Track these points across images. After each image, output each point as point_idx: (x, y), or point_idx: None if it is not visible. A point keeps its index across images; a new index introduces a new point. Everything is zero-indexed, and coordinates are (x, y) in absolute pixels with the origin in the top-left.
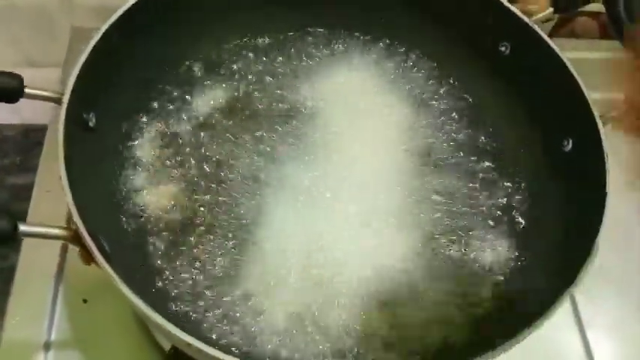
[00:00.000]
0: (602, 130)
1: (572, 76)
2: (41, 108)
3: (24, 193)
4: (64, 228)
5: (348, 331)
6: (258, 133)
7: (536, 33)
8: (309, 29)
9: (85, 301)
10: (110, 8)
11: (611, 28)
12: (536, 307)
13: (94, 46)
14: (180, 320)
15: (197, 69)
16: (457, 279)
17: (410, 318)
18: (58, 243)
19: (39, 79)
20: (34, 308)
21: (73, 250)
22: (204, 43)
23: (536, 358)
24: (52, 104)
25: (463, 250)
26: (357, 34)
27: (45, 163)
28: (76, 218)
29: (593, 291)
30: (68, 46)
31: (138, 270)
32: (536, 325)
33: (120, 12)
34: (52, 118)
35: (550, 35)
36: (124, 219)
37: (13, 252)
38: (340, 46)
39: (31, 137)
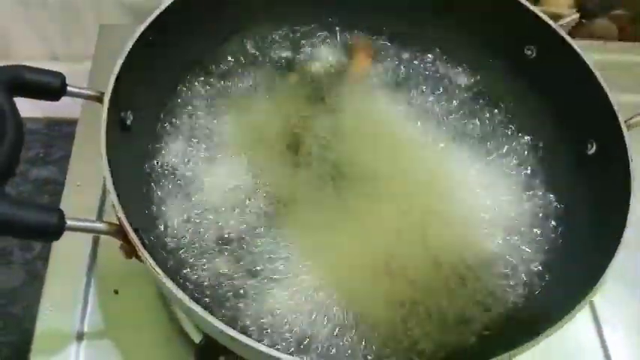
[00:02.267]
0: (627, 133)
1: (596, 79)
2: (64, 102)
3: (47, 186)
4: (109, 223)
5: None
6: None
7: (562, 37)
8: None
9: (116, 292)
10: (137, 6)
11: None
12: (559, 307)
13: (132, 47)
14: (214, 310)
15: (232, 67)
16: (486, 278)
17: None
18: (90, 235)
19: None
20: (67, 299)
21: (104, 241)
22: (238, 42)
23: (555, 356)
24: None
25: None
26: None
27: (76, 156)
28: (120, 214)
29: (609, 290)
30: (97, 43)
31: (170, 261)
32: (557, 326)
33: (156, 13)
34: (84, 113)
35: (570, 36)
36: (160, 214)
37: (38, 243)
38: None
39: (55, 130)
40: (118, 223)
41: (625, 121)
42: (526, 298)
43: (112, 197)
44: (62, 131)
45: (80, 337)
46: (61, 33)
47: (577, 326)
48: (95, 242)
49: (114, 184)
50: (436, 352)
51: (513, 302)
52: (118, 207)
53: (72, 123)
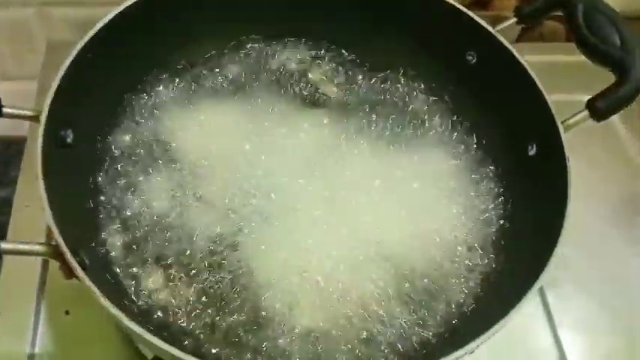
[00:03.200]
0: (563, 134)
1: (534, 82)
2: (21, 121)
3: (4, 208)
4: (45, 244)
5: None
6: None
7: (499, 41)
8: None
9: (67, 312)
10: (87, 21)
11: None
12: (507, 302)
13: (70, 64)
14: (162, 330)
15: (175, 82)
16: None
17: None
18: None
19: (15, 92)
20: (17, 321)
21: (55, 262)
22: (181, 56)
23: (508, 355)
24: None
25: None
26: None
27: (24, 177)
28: (57, 236)
29: (563, 289)
30: (44, 60)
31: (117, 283)
32: (506, 319)
33: (96, 28)
34: (31, 133)
35: (518, 39)
36: (103, 233)
37: None
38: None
39: (12, 149)
40: (55, 244)
41: (562, 122)
42: (476, 295)
43: (48, 218)
44: (20, 150)
45: (31, 358)
46: (12, 51)
47: (531, 325)
48: (45, 263)
49: (50, 204)
50: None
51: (464, 300)
52: (54, 228)
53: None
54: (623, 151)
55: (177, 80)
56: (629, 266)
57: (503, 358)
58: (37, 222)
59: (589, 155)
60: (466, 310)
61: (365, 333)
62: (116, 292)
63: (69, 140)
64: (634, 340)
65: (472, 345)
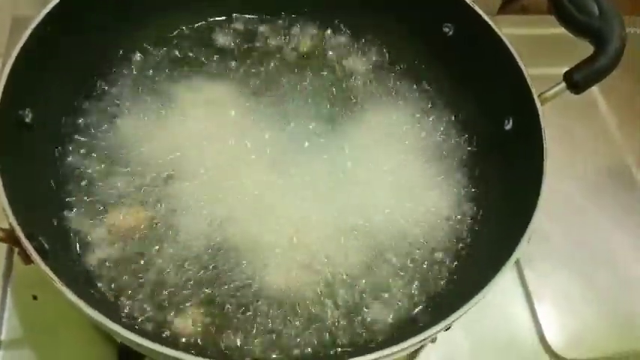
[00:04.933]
0: (540, 108)
1: (511, 55)
2: None
3: None
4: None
5: None
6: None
7: (477, 13)
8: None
9: (34, 297)
10: None
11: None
12: (484, 277)
13: (27, 40)
14: (122, 317)
15: (135, 58)
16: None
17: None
18: None
19: None
20: None
21: None
22: (142, 32)
23: (487, 331)
24: None
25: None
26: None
27: None
28: (12, 220)
29: (539, 265)
30: (9, 36)
31: (78, 266)
32: (482, 294)
33: (54, 2)
34: None
35: (499, 12)
36: (64, 214)
37: None
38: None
39: None
40: (11, 228)
41: (539, 95)
42: (454, 271)
43: (2, 200)
44: None
45: None
46: None
47: (509, 299)
48: (11, 248)
49: (5, 186)
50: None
51: (440, 275)
52: (9, 211)
53: None
54: (604, 125)
55: (144, 59)
56: (607, 240)
57: (481, 332)
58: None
59: (569, 129)
60: (443, 285)
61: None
62: (78, 277)
63: (27, 120)
64: (611, 313)
65: (448, 320)
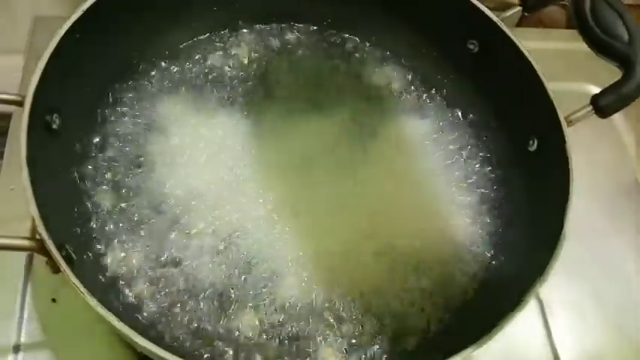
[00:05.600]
0: (566, 130)
1: (537, 75)
2: None
3: None
4: (30, 239)
5: None
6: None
7: (503, 30)
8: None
9: (54, 300)
10: None
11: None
12: (507, 304)
13: (56, 47)
14: (149, 328)
15: (162, 65)
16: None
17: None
18: None
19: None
20: (3, 309)
21: None
22: (170, 38)
23: (500, 347)
24: None
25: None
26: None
27: (9, 157)
28: (42, 230)
29: (554, 282)
30: (29, 35)
31: (104, 276)
32: (506, 322)
33: (82, 8)
34: (17, 111)
35: (517, 25)
36: (91, 223)
37: None
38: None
39: None
40: (40, 238)
41: (566, 117)
42: (474, 293)
43: (33, 211)
44: (3, 127)
45: (17, 349)
46: None
47: (523, 316)
48: None
49: (35, 195)
50: None
51: (462, 298)
52: (39, 222)
53: (8, 116)
54: (618, 140)
55: (171, 66)
56: (622, 259)
57: (489, 346)
58: (23, 207)
59: (583, 144)
60: (457, 310)
61: None
62: (104, 287)
63: (55, 126)
64: (625, 333)
65: (464, 353)
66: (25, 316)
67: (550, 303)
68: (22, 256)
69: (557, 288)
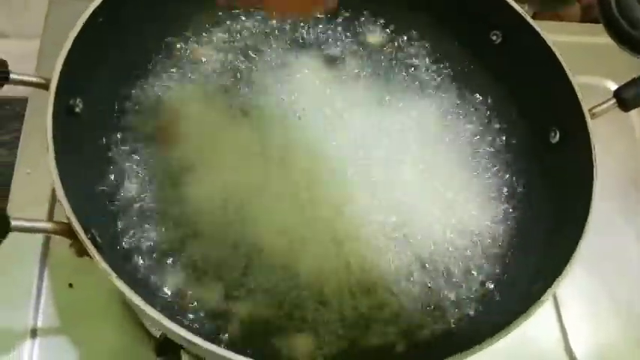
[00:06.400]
0: (590, 122)
1: (562, 68)
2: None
3: None
4: (57, 222)
5: None
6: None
7: (528, 23)
8: None
9: (70, 285)
10: None
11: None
12: (522, 301)
13: (80, 30)
14: (171, 309)
15: (184, 48)
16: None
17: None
18: None
19: (12, 51)
20: (19, 293)
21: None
22: (193, 20)
23: (515, 342)
24: None
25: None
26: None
27: (25, 142)
28: (69, 213)
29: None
30: (45, 19)
31: (128, 259)
32: (523, 319)
33: None
34: (33, 94)
35: (533, 18)
36: (111, 207)
37: None
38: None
39: (5, 110)
40: (67, 222)
41: (589, 110)
42: (488, 287)
43: (60, 196)
44: (13, 110)
45: (34, 333)
46: (7, 9)
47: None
48: (47, 236)
49: (62, 179)
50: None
51: (475, 293)
52: (67, 207)
53: (23, 101)
54: (635, 138)
55: (189, 44)
56: (634, 250)
57: (507, 346)
58: (39, 190)
59: (599, 142)
60: (472, 305)
61: None
62: (127, 271)
63: (77, 110)
64: (636, 324)
65: (484, 344)
66: (42, 300)
67: (563, 296)
68: (39, 241)
69: (571, 282)
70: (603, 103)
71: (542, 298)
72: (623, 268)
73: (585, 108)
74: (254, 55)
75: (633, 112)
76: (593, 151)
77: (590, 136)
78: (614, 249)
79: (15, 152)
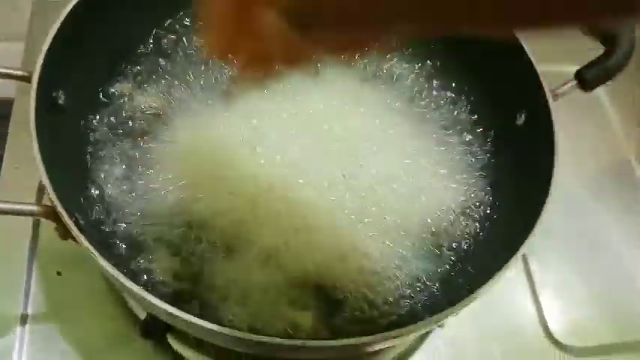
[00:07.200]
0: (552, 103)
1: (523, 51)
2: (2, 81)
3: None
4: (42, 205)
5: None
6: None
7: None
8: None
9: (59, 273)
10: None
11: None
12: (492, 266)
13: (61, 24)
14: (154, 288)
15: (165, 40)
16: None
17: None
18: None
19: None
20: (9, 282)
21: (46, 223)
22: (181, 20)
23: (493, 317)
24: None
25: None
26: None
27: (12, 139)
28: (53, 196)
29: (543, 256)
30: (30, 18)
31: (108, 241)
32: (492, 281)
33: None
34: (19, 93)
35: None
36: (92, 192)
37: None
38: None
39: None
40: (50, 204)
41: (551, 91)
42: (460, 257)
43: (44, 179)
44: (3, 112)
45: (24, 320)
46: None
47: (513, 289)
48: (36, 224)
49: (45, 165)
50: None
51: (448, 261)
52: (50, 189)
53: (8, 103)
54: (607, 121)
55: (175, 40)
56: (608, 234)
57: (485, 321)
58: (27, 184)
59: (573, 125)
60: (445, 273)
61: None
62: (108, 252)
63: (60, 101)
64: (611, 304)
65: (450, 310)
66: (32, 288)
67: (540, 277)
68: (29, 230)
69: (546, 262)
70: (565, 84)
71: (506, 265)
72: (595, 247)
73: (548, 89)
74: None
75: (605, 98)
76: (555, 131)
77: (552, 114)
78: (589, 230)
79: (2, 149)
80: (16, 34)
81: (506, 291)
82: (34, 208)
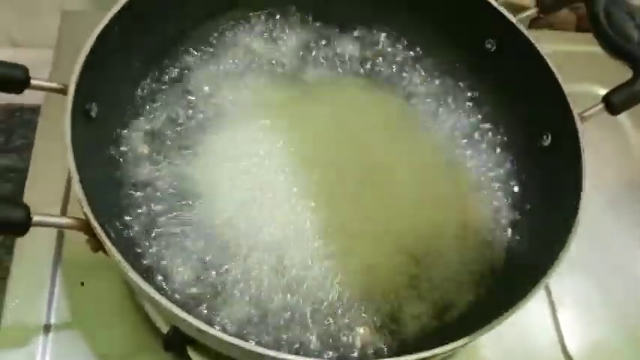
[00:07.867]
0: (580, 126)
1: (553, 74)
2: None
3: (9, 174)
4: (75, 218)
5: None
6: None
7: (520, 31)
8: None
9: (82, 283)
10: None
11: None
12: (516, 294)
13: (97, 37)
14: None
15: (195, 54)
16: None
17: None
18: None
19: (24, 60)
20: (33, 291)
21: (70, 232)
22: (213, 28)
23: (512, 337)
24: None
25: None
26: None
27: (39, 147)
28: (87, 210)
29: (562, 275)
30: (59, 30)
31: (139, 255)
32: (512, 311)
33: (121, 3)
34: (46, 102)
35: (529, 27)
36: (124, 205)
37: None
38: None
39: (16, 117)
40: (84, 218)
41: (579, 114)
42: (486, 284)
43: (79, 193)
44: (23, 118)
45: (47, 329)
46: (19, 19)
47: (531, 306)
48: (61, 233)
49: (80, 179)
50: None
51: (474, 287)
52: (85, 203)
53: (33, 109)
54: (626, 140)
55: (206, 53)
56: (628, 253)
57: (500, 336)
58: (52, 192)
59: (591, 143)
60: (470, 299)
61: None
62: (139, 266)
63: (93, 114)
64: (631, 324)
65: (474, 335)
66: (55, 298)
67: (559, 297)
68: (53, 240)
69: (566, 283)
70: (593, 107)
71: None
72: (617, 269)
73: (575, 112)
74: None
75: (626, 120)
76: (582, 153)
77: (580, 138)
78: (608, 250)
79: (24, 157)
80: (40, 42)
81: (525, 311)
82: (68, 221)
